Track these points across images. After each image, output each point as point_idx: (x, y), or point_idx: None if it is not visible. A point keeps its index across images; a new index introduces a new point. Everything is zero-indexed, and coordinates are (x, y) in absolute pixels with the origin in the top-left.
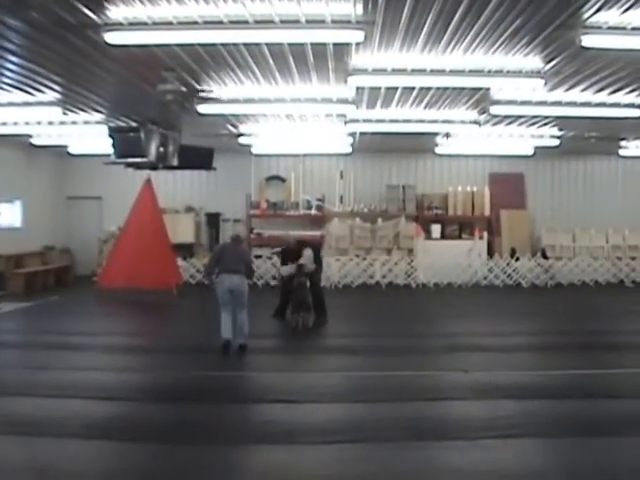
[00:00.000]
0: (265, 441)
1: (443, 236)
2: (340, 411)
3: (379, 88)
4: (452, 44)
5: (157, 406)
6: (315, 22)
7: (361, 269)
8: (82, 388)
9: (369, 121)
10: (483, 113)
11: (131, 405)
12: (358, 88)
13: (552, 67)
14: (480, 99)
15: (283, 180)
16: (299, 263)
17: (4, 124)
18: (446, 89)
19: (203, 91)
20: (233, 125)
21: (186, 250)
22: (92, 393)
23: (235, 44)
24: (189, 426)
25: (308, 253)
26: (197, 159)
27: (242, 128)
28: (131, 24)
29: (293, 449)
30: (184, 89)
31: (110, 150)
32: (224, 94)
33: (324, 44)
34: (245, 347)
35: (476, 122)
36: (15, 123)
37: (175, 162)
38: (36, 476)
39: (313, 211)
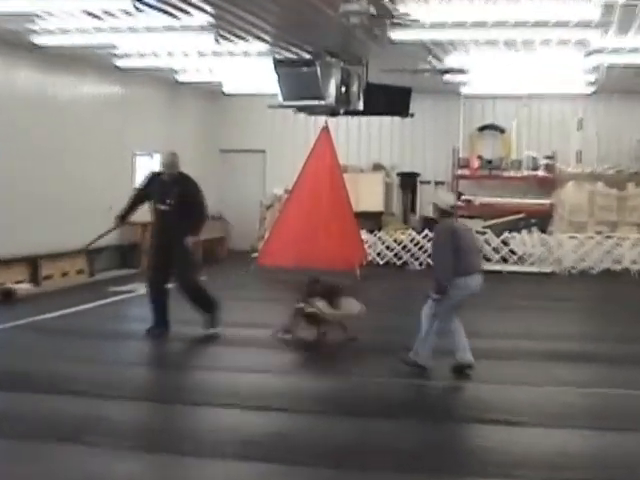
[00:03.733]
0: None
1: None
2: (573, 439)
3: (635, 5)
4: None
5: (336, 421)
6: None
7: (604, 250)
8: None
9: (619, 51)
10: None
11: (299, 418)
12: (606, 5)
13: None
14: None
15: (501, 131)
16: None
17: (141, 55)
18: None
19: (398, 12)
20: (436, 57)
21: (373, 220)
22: (252, 401)
23: None
24: (367, 447)
25: None
26: (389, 102)
27: (448, 61)
28: None
29: None
30: (373, 10)
31: (276, 90)
32: (425, 16)
33: None
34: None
35: None
36: (155, 54)
37: (360, 106)
38: None
39: (540, 172)
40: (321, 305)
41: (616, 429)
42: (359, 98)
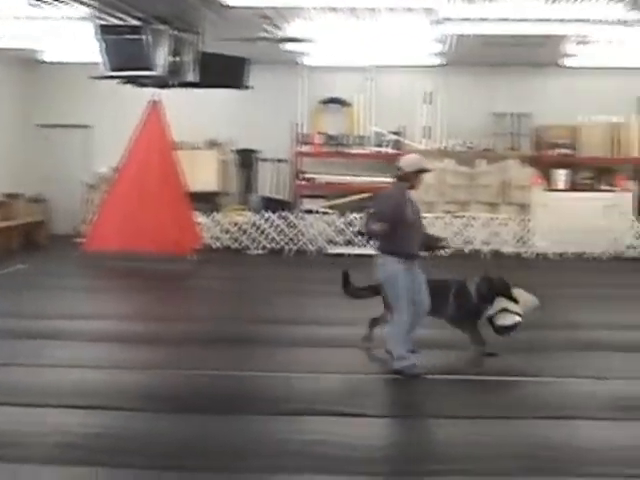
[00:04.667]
0: None
1: (571, 186)
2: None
3: None
4: None
5: (160, 417)
6: None
7: (454, 231)
8: (56, 393)
9: (468, 20)
10: (634, 8)
11: (124, 416)
12: None
13: None
14: None
15: (345, 104)
16: None
17: None
18: None
19: None
20: (275, 25)
21: (208, 201)
22: (70, 399)
23: None
24: (203, 445)
25: None
26: (225, 74)
27: (288, 29)
28: None
29: None
30: None
31: (101, 59)
32: None
33: None
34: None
35: (623, 21)
36: None
37: (194, 77)
38: None
39: (387, 148)
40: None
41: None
42: (193, 69)
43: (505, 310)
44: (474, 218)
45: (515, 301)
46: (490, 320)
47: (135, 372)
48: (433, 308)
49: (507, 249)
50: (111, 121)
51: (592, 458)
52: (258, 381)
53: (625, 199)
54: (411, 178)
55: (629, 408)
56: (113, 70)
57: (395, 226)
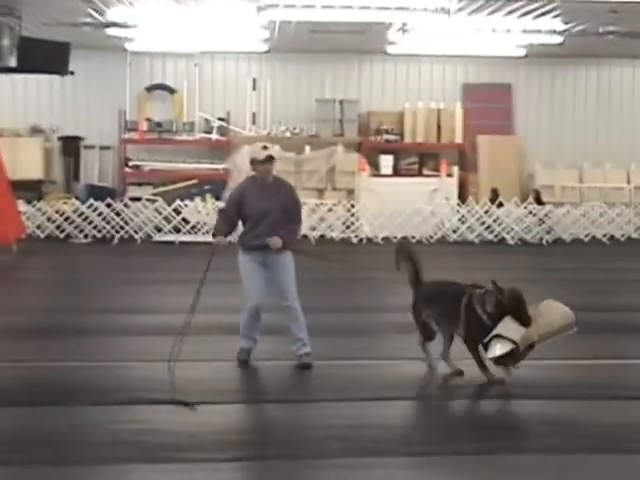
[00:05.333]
0: None
1: (397, 172)
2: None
3: None
4: None
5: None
6: None
7: None
8: None
9: (292, 7)
10: None
11: None
12: None
13: None
14: None
15: (172, 91)
16: None
17: None
18: None
19: None
20: (96, 10)
21: (31, 189)
22: None
23: None
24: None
25: None
26: (46, 59)
27: (111, 14)
28: None
29: None
30: None
31: None
32: None
33: None
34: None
35: (445, 10)
36: None
37: (13, 62)
38: None
39: (214, 135)
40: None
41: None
42: (12, 53)
43: (499, 337)
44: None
45: (525, 322)
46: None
47: None
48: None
49: (334, 234)
50: None
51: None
52: (88, 371)
53: (449, 184)
54: (254, 169)
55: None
56: None
57: (240, 219)
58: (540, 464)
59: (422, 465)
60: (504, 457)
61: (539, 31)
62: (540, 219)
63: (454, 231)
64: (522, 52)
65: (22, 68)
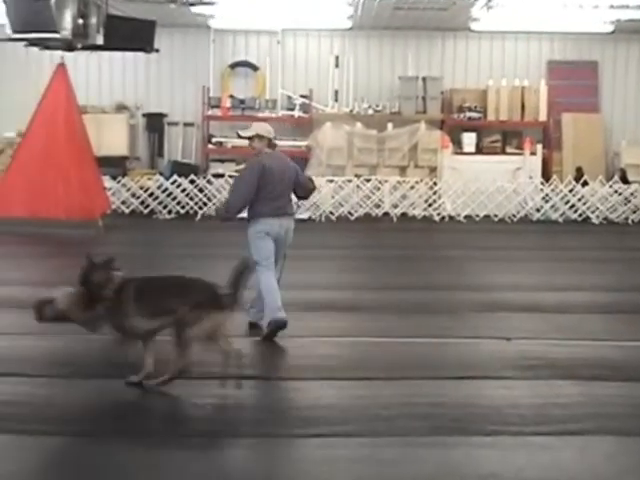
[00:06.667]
0: None
1: (479, 150)
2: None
3: None
4: None
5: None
6: None
7: (363, 195)
8: None
9: None
10: None
11: (35, 382)
12: None
13: None
14: None
15: (254, 68)
16: None
17: None
18: None
19: None
20: None
21: (116, 166)
22: None
23: None
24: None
25: None
26: (132, 36)
27: None
28: None
29: None
30: None
31: (4, 20)
32: None
33: None
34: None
35: None
36: None
37: (100, 40)
38: None
39: (296, 112)
40: None
41: (372, 378)
42: (99, 31)
43: None
44: (383, 182)
45: None
46: None
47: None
48: None
49: (416, 212)
50: (17, 84)
51: (494, 417)
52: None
53: (532, 162)
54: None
55: (532, 367)
56: (17, 32)
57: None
58: None
59: (505, 445)
60: (591, 439)
61: (627, 6)
62: (626, 198)
63: (537, 210)
64: (609, 28)
65: (108, 45)
